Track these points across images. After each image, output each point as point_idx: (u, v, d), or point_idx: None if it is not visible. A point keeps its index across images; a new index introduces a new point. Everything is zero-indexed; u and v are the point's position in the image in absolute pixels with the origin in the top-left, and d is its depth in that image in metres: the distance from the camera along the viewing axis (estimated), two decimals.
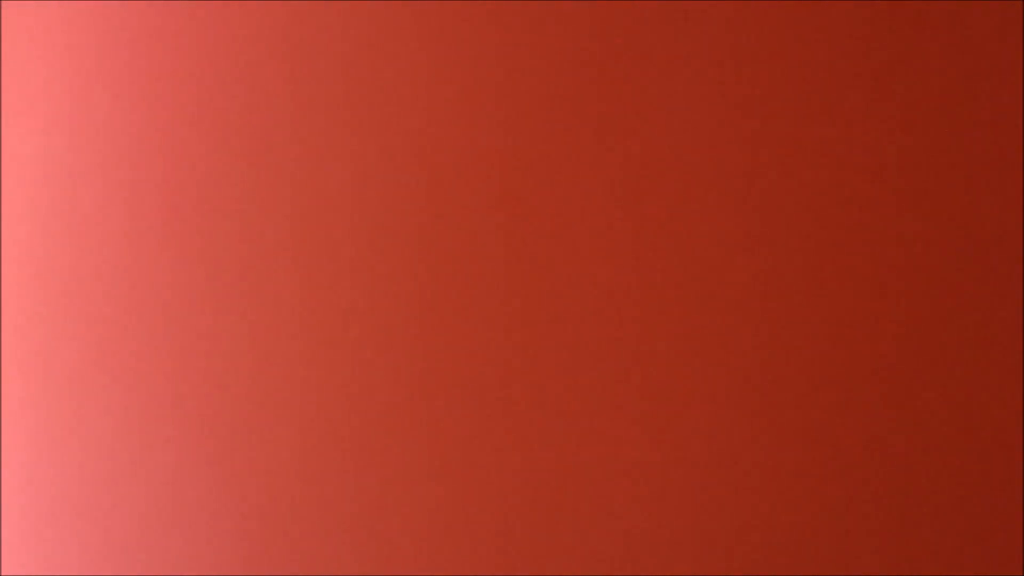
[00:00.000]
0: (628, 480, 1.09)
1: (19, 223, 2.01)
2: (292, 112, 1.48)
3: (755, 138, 1.02)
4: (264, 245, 1.51)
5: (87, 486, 1.80)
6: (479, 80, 1.25)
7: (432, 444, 1.27)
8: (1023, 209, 0.87)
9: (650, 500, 1.07)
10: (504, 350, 1.20)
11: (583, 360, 1.13)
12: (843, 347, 0.96)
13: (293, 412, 1.45)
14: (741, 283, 1.02)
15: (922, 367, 0.92)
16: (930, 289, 0.92)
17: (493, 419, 1.21)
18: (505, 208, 1.21)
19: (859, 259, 0.95)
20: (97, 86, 1.83)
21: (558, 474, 1.15)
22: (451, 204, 1.27)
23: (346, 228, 1.39)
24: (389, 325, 1.33)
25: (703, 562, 1.04)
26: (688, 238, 1.06)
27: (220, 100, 1.59)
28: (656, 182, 1.09)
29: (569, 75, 1.16)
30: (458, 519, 1.24)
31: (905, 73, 0.94)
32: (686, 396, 1.05)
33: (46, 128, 1.95)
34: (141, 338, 1.71)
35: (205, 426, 1.58)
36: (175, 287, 1.65)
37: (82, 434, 1.82)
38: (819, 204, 0.98)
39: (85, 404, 1.81)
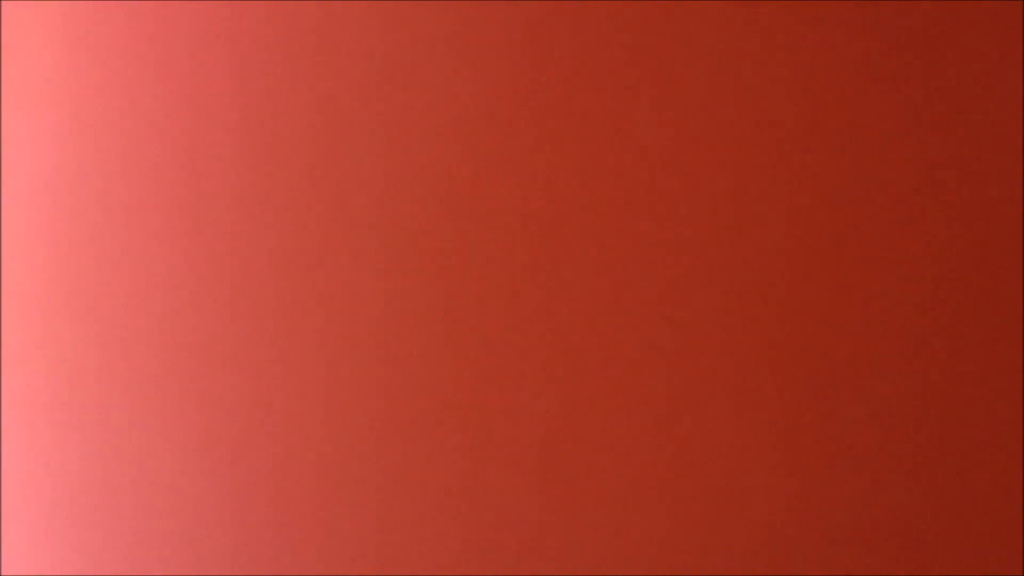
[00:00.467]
0: (635, 479, 1.09)
1: (19, 223, 2.01)
2: (292, 112, 1.47)
3: (755, 138, 1.02)
4: (266, 244, 1.51)
5: (87, 486, 1.80)
6: (479, 80, 1.25)
7: (432, 444, 1.27)
8: (1023, 209, 0.87)
9: (656, 501, 1.07)
10: (509, 349, 1.20)
11: (588, 359, 1.13)
12: (843, 347, 0.96)
13: (293, 412, 1.45)
14: (742, 283, 1.02)
15: (922, 367, 0.92)
16: (930, 289, 0.92)
17: (495, 419, 1.21)
18: (510, 208, 1.21)
19: (860, 259, 0.95)
20: (97, 86, 1.83)
21: (562, 474, 1.15)
22: (459, 203, 1.27)
23: (356, 227, 1.39)
24: (399, 326, 1.33)
25: (712, 564, 1.04)
26: (705, 239, 1.06)
27: (221, 99, 1.59)
28: (666, 182, 1.09)
29: (578, 75, 1.16)
30: (461, 519, 1.24)
31: (905, 73, 0.94)
32: (692, 397, 1.05)
33: (46, 128, 1.95)
34: (142, 338, 1.71)
35: (207, 426, 1.58)
36: (177, 286, 1.65)
37: (83, 434, 1.82)
38: (818, 204, 0.98)
39: (86, 404, 1.81)
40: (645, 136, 1.10)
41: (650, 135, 1.09)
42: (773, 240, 1.00)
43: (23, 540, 1.94)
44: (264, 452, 1.48)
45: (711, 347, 1.04)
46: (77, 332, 1.84)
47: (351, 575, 1.35)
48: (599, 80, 1.14)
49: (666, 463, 1.06)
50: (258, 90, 1.53)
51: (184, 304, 1.63)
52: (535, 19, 1.19)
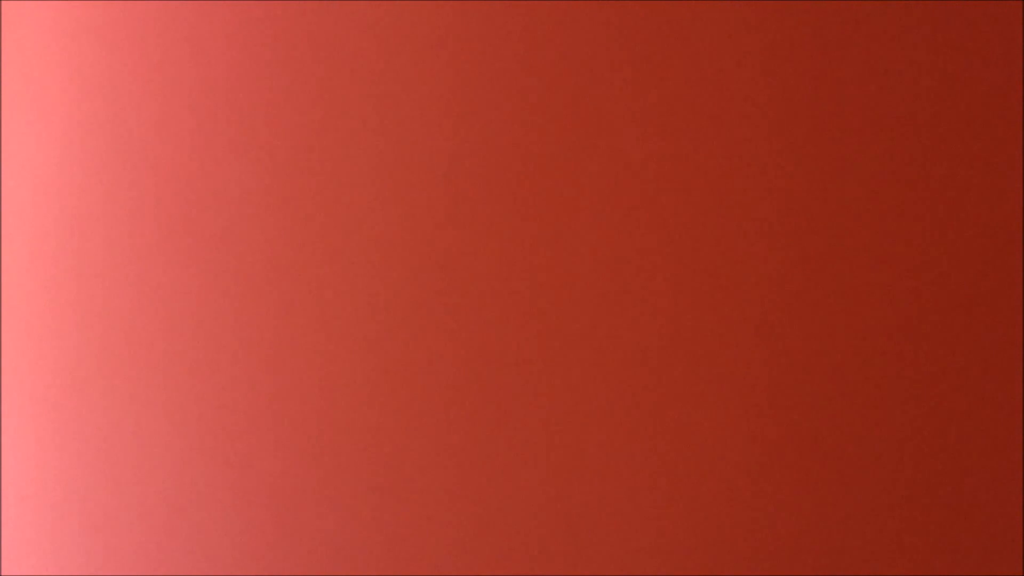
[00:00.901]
0: (635, 479, 1.09)
1: (19, 223, 2.01)
2: (292, 112, 1.47)
3: (754, 138, 1.02)
4: (266, 244, 1.51)
5: (88, 486, 1.80)
6: (477, 80, 1.25)
7: (434, 444, 1.27)
8: (1023, 209, 0.87)
9: (657, 500, 1.07)
10: (509, 349, 1.20)
11: (590, 359, 1.13)
12: (843, 347, 0.96)
13: (295, 412, 1.45)
14: (742, 284, 1.02)
15: (922, 367, 0.92)
16: (931, 289, 0.92)
17: (496, 418, 1.21)
18: (511, 208, 1.21)
19: (859, 259, 0.95)
20: (97, 86, 1.83)
21: (563, 474, 1.15)
22: (460, 203, 1.27)
23: (356, 228, 1.39)
24: (399, 326, 1.33)
25: (713, 564, 1.04)
26: (704, 238, 1.06)
27: (222, 99, 1.59)
28: (667, 182, 1.09)
29: (580, 75, 1.16)
30: (462, 519, 1.24)
31: (905, 73, 0.94)
32: (694, 397, 1.05)
33: (46, 128, 1.95)
34: (144, 338, 1.70)
35: (207, 426, 1.58)
36: (179, 286, 1.65)
37: (83, 434, 1.81)
38: (819, 204, 0.98)
39: (86, 404, 1.81)
40: (645, 136, 1.10)
41: (650, 135, 1.09)
42: (773, 240, 1.00)
43: (23, 540, 1.94)
44: (265, 452, 1.48)
45: (713, 347, 1.04)
46: (77, 332, 1.84)
47: (352, 575, 1.35)
48: (601, 80, 1.14)
49: (668, 463, 1.06)
50: (259, 90, 1.53)
51: (185, 303, 1.63)
52: (537, 19, 1.19)
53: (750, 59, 1.02)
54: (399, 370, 1.31)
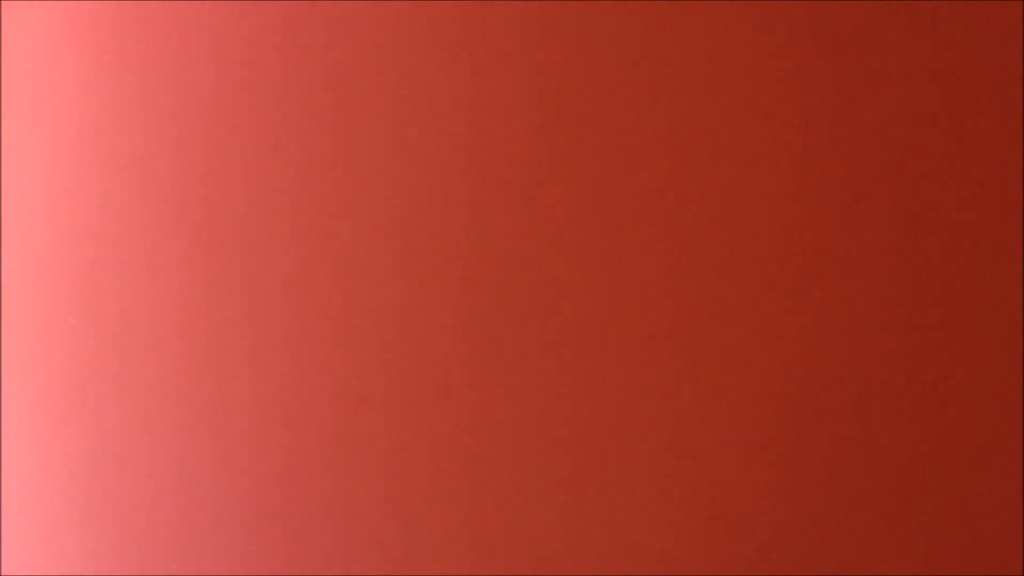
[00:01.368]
0: (635, 479, 1.09)
1: (19, 223, 2.01)
2: (292, 112, 1.47)
3: (753, 138, 1.02)
4: (268, 244, 1.51)
5: (88, 486, 1.80)
6: (487, 81, 1.25)
7: (441, 445, 1.27)
8: (1023, 209, 0.87)
9: (659, 501, 1.07)
10: (509, 349, 1.20)
11: (591, 359, 1.13)
12: (844, 348, 0.96)
13: (297, 412, 1.45)
14: (743, 284, 1.02)
15: (922, 367, 0.92)
16: (931, 289, 0.92)
17: (504, 418, 1.21)
18: (520, 207, 1.21)
19: (861, 259, 0.95)
20: (97, 86, 1.83)
21: (565, 474, 1.15)
22: (464, 203, 1.27)
23: (356, 228, 1.39)
24: (402, 327, 1.33)
25: (715, 564, 1.04)
26: (715, 240, 1.06)
27: (222, 99, 1.59)
28: (668, 182, 1.09)
29: (584, 75, 1.16)
30: (464, 519, 1.24)
31: (905, 73, 0.94)
32: (696, 397, 1.05)
33: (46, 128, 1.95)
34: (143, 338, 1.70)
35: (208, 426, 1.58)
36: (179, 286, 1.65)
37: (83, 434, 1.81)
38: (818, 204, 0.98)
39: (86, 403, 1.81)
40: (646, 136, 1.10)
41: (649, 135, 1.09)
42: (774, 240, 1.00)
43: (23, 540, 1.94)
44: (266, 452, 1.48)
45: (717, 347, 1.04)
46: (78, 332, 1.84)
47: (353, 575, 1.35)
48: (604, 80, 1.14)
49: (668, 463, 1.06)
50: (263, 90, 1.53)
51: (185, 303, 1.63)
52: (541, 19, 1.19)
53: (756, 60, 1.03)
54: (406, 369, 1.31)
